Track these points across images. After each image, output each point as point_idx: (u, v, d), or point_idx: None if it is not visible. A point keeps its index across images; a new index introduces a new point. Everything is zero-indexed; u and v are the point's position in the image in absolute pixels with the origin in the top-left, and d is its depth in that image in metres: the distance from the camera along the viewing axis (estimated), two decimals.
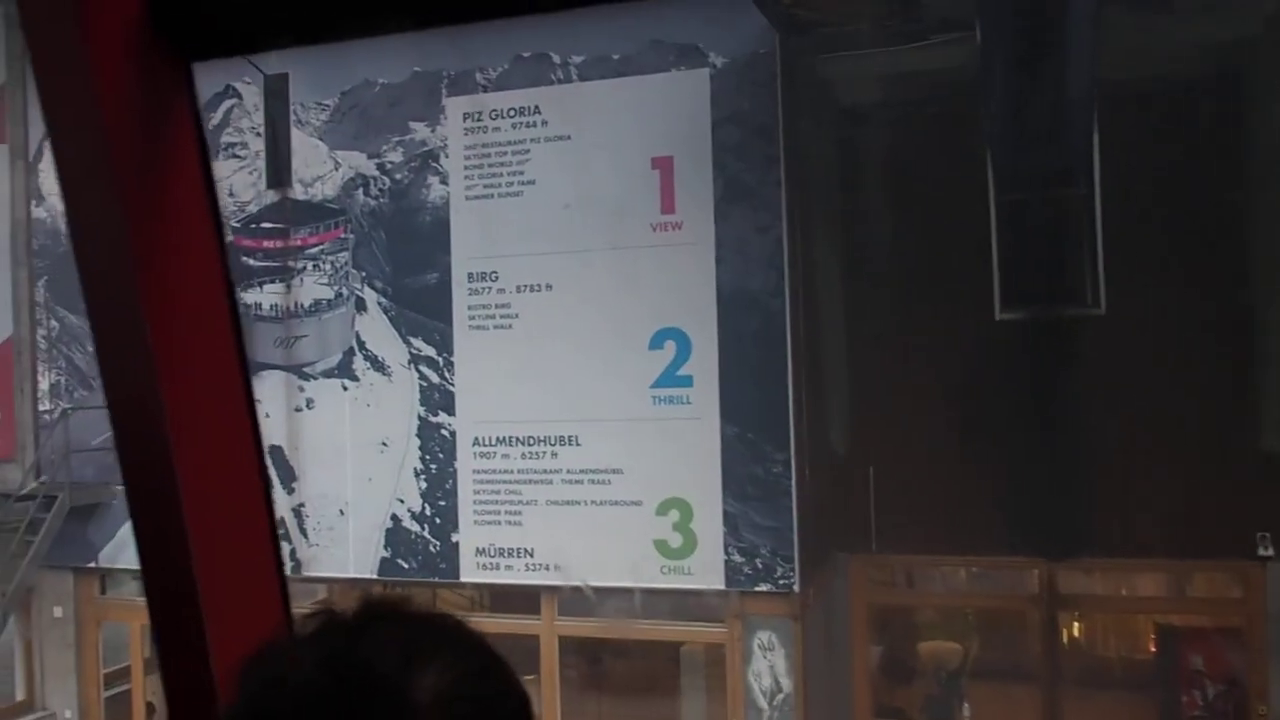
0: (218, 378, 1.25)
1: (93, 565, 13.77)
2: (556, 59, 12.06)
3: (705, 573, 11.20)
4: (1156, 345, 10.76)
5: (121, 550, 13.59)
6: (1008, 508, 11.38)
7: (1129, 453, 10.87)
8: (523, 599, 12.11)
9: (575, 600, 11.94)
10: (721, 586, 11.17)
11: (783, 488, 11.06)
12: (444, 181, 12.45)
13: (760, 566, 11.07)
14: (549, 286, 11.89)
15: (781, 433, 11.09)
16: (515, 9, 1.18)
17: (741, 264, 11.33)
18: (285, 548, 13.00)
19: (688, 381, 11.34)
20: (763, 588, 11.05)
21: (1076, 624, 12.27)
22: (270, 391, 12.69)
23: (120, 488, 13.22)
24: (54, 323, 14.46)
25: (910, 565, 12.35)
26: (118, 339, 1.21)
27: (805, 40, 11.47)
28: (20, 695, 14.22)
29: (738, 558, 11.13)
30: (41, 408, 14.32)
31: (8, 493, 13.11)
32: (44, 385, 14.41)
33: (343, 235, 12.87)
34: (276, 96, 13.13)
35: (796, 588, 10.99)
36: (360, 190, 12.86)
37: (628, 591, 11.61)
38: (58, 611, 13.81)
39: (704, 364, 11.29)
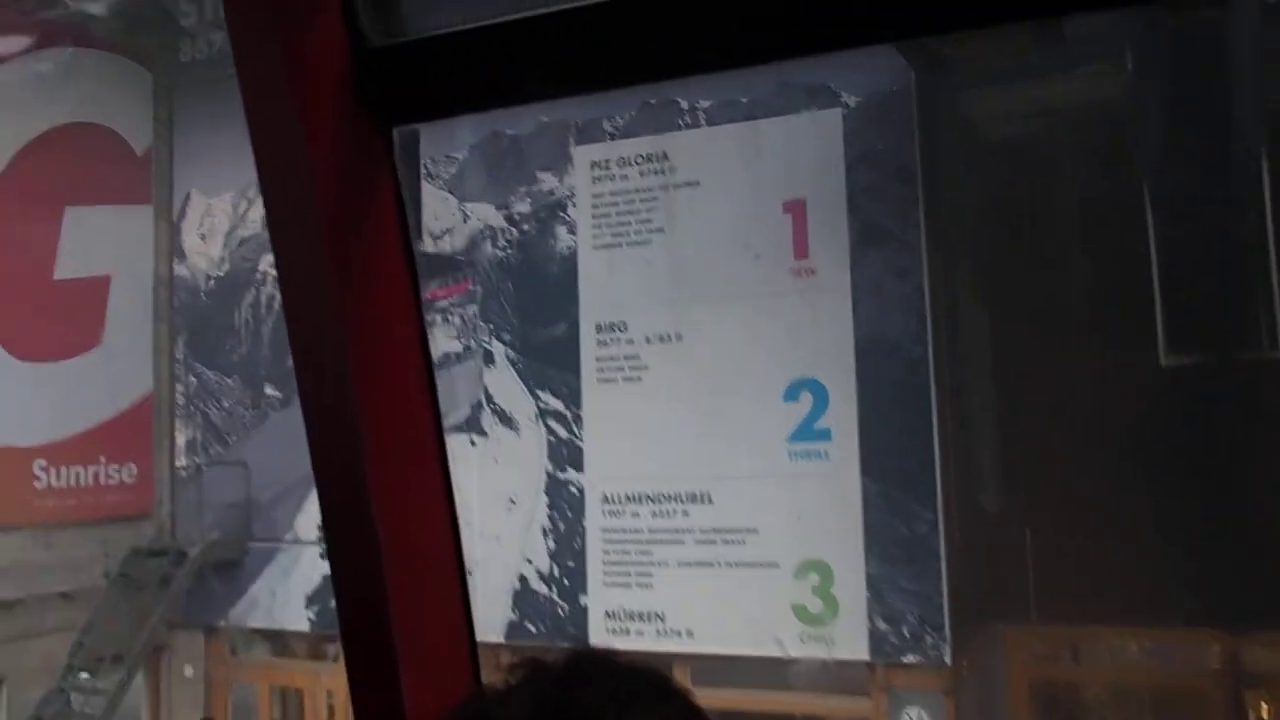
0: (416, 438, 1.30)
1: (223, 624, 14.04)
2: (684, 104, 12.03)
3: (848, 641, 10.77)
4: None
5: (253, 609, 13.86)
6: (1183, 573, 10.65)
7: None
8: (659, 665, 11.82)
9: (708, 668, 11.61)
10: (865, 657, 10.72)
11: (930, 549, 10.59)
12: (572, 231, 12.49)
13: (907, 635, 10.59)
14: (679, 337, 11.75)
15: (928, 489, 10.64)
16: (707, 66, 1.20)
17: (880, 310, 11.00)
18: None
19: (826, 435, 11.01)
20: (910, 658, 10.56)
21: (1265, 705, 11.35)
22: None
23: (254, 545, 13.56)
24: (192, 379, 14.98)
25: (1075, 637, 11.63)
26: (323, 391, 1.28)
27: (943, 76, 11.18)
28: None
29: (883, 625, 10.67)
30: (178, 463, 14.79)
31: (142, 548, 13.51)
32: (180, 441, 14.90)
33: (471, 287, 13.01)
34: (407, 150, 13.30)
35: (948, 659, 10.47)
36: (488, 242, 13.01)
37: (764, 660, 11.24)
38: (188, 671, 14.11)
39: (843, 416, 10.96)
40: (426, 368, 1.33)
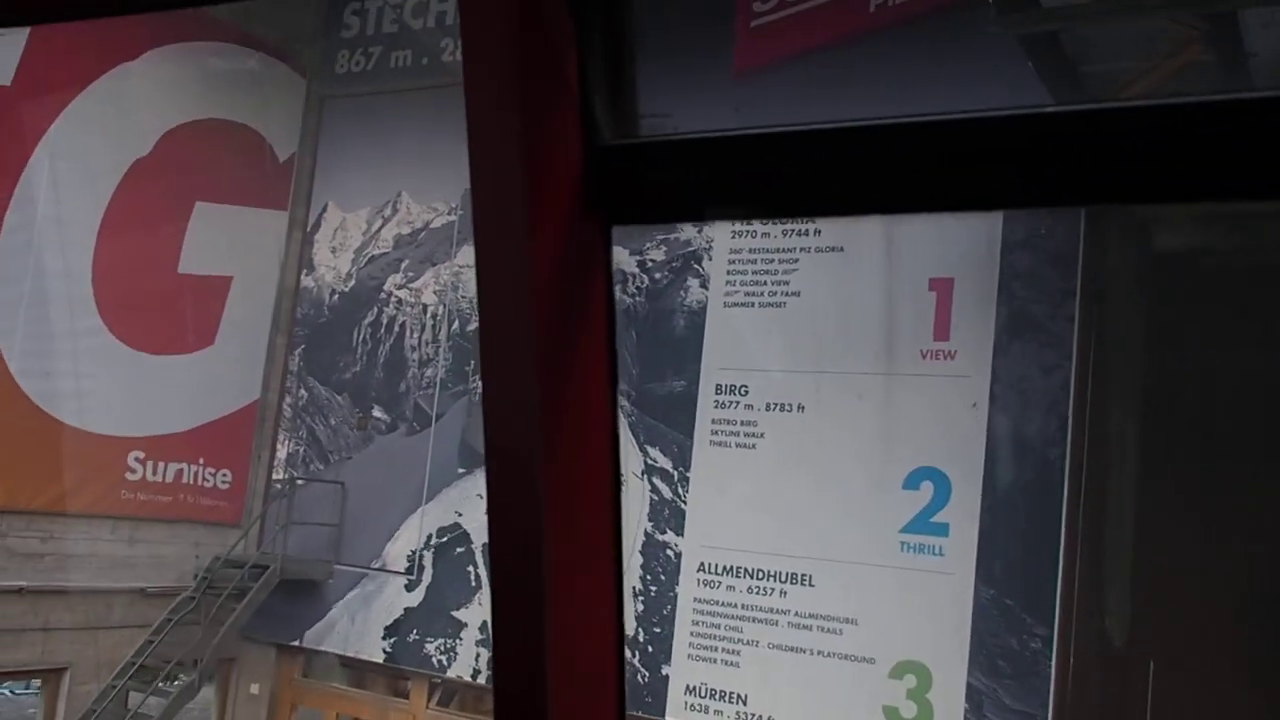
0: (595, 553, 1.38)
1: (296, 644, 14.36)
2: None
3: None
4: None
5: (329, 633, 14.16)
6: None
7: None
8: None
9: None
10: None
11: (1040, 668, 10.30)
12: (704, 285, 12.64)
13: None
14: (801, 407, 11.75)
15: (1046, 604, 10.38)
16: (938, 205, 1.22)
17: (1019, 405, 10.84)
18: (485, 654, 13.21)
19: (943, 530, 10.84)
20: None
21: None
22: None
23: (340, 567, 13.88)
24: (303, 392, 15.51)
25: None
26: (510, 481, 1.35)
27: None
28: None
29: None
30: (276, 476, 15.27)
31: (228, 557, 13.95)
32: (281, 454, 15.40)
33: None
34: None
35: None
36: (619, 287, 13.23)
37: None
38: (254, 688, 14.45)
39: (963, 513, 10.78)
40: (614, 479, 1.39)
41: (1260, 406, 10.52)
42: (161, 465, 14.24)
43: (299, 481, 14.94)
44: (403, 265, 15.25)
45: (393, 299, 15.16)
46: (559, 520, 1.32)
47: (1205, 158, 1.05)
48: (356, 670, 15.05)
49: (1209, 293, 11.37)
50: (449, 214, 14.93)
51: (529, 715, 1.32)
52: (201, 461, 14.86)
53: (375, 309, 15.30)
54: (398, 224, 15.43)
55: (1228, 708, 10.56)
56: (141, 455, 14.03)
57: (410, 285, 15.09)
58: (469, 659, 13.23)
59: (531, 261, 1.28)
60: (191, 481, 14.62)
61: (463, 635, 13.33)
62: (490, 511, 1.33)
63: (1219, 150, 1.04)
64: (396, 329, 15.04)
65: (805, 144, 1.22)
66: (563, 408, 1.32)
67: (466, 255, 14.62)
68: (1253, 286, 10.96)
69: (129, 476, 13.90)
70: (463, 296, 14.55)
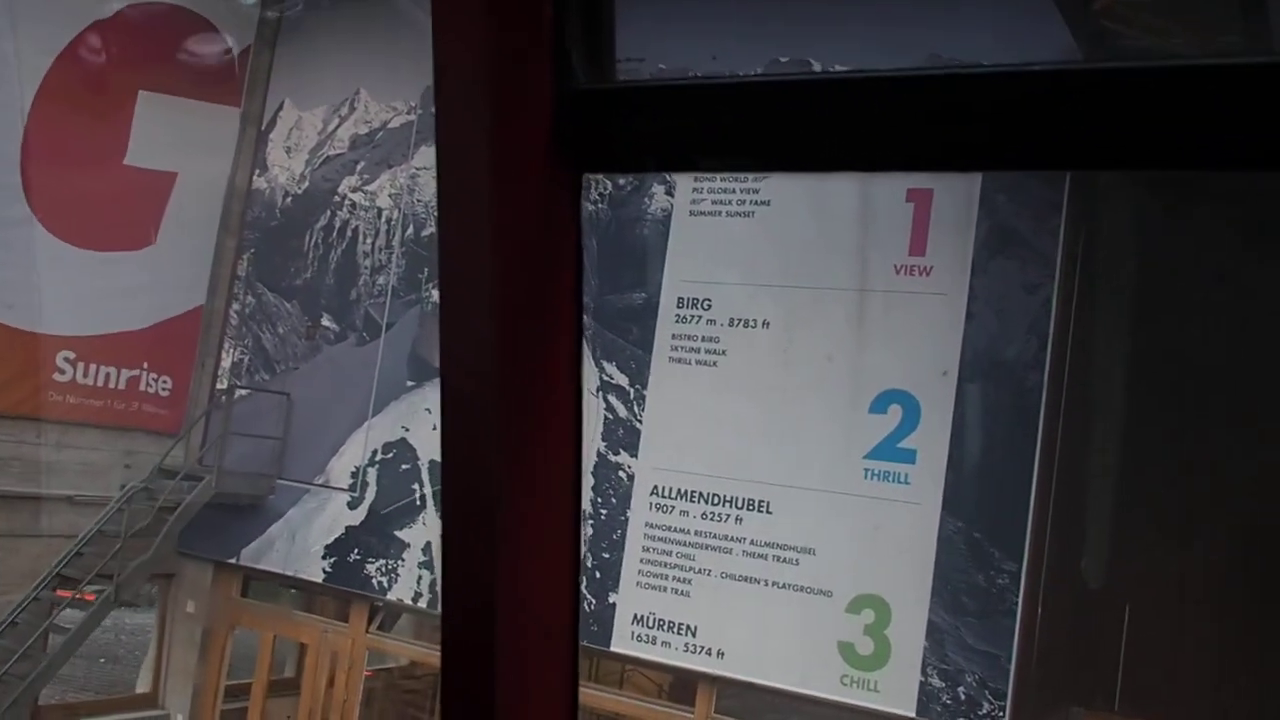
0: (554, 496, 1.38)
1: (234, 562, 14.11)
2: (817, 66, 11.65)
3: (894, 692, 10.21)
4: None
5: (267, 551, 13.89)
6: None
7: None
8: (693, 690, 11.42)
9: (735, 697, 11.23)
10: (911, 713, 10.15)
11: (1006, 606, 9.97)
12: (670, 192, 12.21)
13: (963, 697, 9.99)
14: (766, 324, 11.36)
15: (1015, 538, 10.03)
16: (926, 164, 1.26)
17: (997, 325, 10.44)
18: (427, 578, 12.95)
19: (910, 457, 10.48)
20: None
21: None
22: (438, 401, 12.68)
23: (282, 483, 13.59)
24: (251, 298, 15.13)
25: None
26: (467, 422, 1.36)
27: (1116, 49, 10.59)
28: (143, 687, 14.70)
29: (937, 681, 10.09)
30: (220, 386, 14.94)
31: (164, 466, 13.63)
32: (226, 363, 15.06)
33: None
34: None
35: None
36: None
37: (798, 698, 10.78)
38: (190, 606, 14.21)
39: (932, 439, 10.41)
40: (576, 429, 1.39)
41: (1254, 330, 10.13)
42: (94, 368, 13.88)
43: (242, 391, 14.61)
44: (358, 167, 14.81)
45: (347, 202, 14.74)
46: (516, 476, 1.33)
47: (1193, 122, 1.02)
48: (303, 591, 14.84)
49: (1210, 211, 10.93)
50: (408, 113, 14.47)
51: (477, 649, 1.34)
52: (145, 366, 14.52)
53: (329, 212, 14.88)
54: (355, 123, 14.98)
55: (1206, 657, 10.29)
56: (72, 356, 13.67)
57: (365, 188, 14.66)
58: (410, 581, 12.96)
59: (497, 207, 1.29)
60: (127, 386, 14.27)
61: (405, 556, 13.05)
62: (446, 469, 1.33)
63: (1208, 116, 1.01)
64: (350, 234, 14.63)
65: (783, 95, 1.21)
66: (524, 356, 1.34)
67: (424, 157, 14.19)
68: (1258, 199, 10.53)
69: (57, 378, 13.55)
70: (418, 200, 14.13)
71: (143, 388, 14.46)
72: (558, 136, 1.28)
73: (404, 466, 13.34)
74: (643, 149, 1.31)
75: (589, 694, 11.47)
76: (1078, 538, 10.67)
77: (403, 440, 13.43)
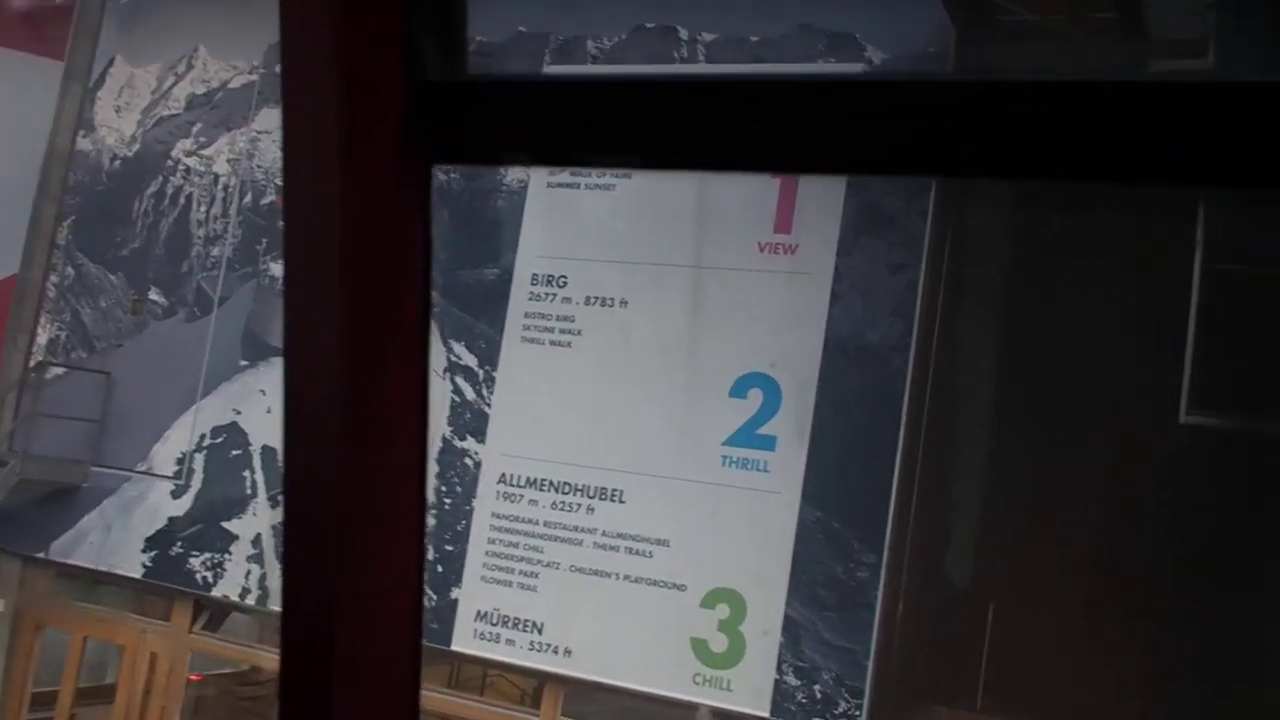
0: (399, 497, 1.38)
1: (42, 556, 13.43)
2: (684, 34, 11.50)
3: (748, 691, 10.05)
4: None
5: (80, 543, 13.24)
6: (1168, 692, 9.94)
7: None
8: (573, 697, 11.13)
9: (586, 697, 10.99)
10: (765, 713, 10.00)
11: (865, 599, 9.89)
12: None
13: (819, 696, 9.87)
14: (624, 302, 11.14)
15: (877, 530, 9.95)
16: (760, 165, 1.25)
17: (862, 307, 10.36)
18: (256, 573, 12.45)
19: (769, 444, 10.34)
20: None
21: None
22: (278, 381, 12.20)
23: (98, 470, 12.96)
24: (70, 270, 14.44)
25: None
26: (312, 414, 1.37)
27: (991, 45, 10.60)
28: None
29: (792, 679, 9.96)
30: (32, 362, 14.23)
31: None
32: (41, 339, 14.35)
33: None
34: None
35: None
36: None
37: (651, 698, 10.57)
38: None
39: (794, 425, 10.29)
40: (422, 420, 1.42)
41: (1122, 308, 10.19)
42: None
43: (56, 370, 13.92)
44: (194, 129, 14.23)
45: (181, 167, 14.15)
46: (362, 475, 1.35)
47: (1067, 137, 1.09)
48: (123, 587, 14.19)
49: (1081, 193, 11.00)
50: (249, 73, 13.94)
51: (317, 647, 1.35)
52: None
53: (160, 178, 14.27)
54: (192, 82, 14.40)
55: (1070, 655, 10.31)
56: None
57: (201, 152, 14.09)
58: (239, 576, 12.44)
59: (344, 197, 1.30)
60: None
61: (233, 550, 12.52)
62: (288, 472, 1.33)
63: (1078, 129, 1.08)
64: (183, 201, 14.04)
65: (633, 93, 1.26)
66: (370, 346, 1.36)
67: (265, 119, 13.69)
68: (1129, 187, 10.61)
69: None
70: (258, 166, 13.62)
71: None
72: (407, 127, 1.31)
73: (234, 452, 12.82)
74: (493, 142, 1.34)
75: (431, 698, 11.09)
76: (942, 530, 10.62)
77: (234, 424, 12.90)
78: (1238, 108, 1.04)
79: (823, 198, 10.60)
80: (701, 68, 11.47)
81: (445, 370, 11.85)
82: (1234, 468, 9.51)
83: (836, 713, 9.80)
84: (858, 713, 9.75)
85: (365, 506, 1.34)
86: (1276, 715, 9.75)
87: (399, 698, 1.38)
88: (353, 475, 1.32)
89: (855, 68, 10.66)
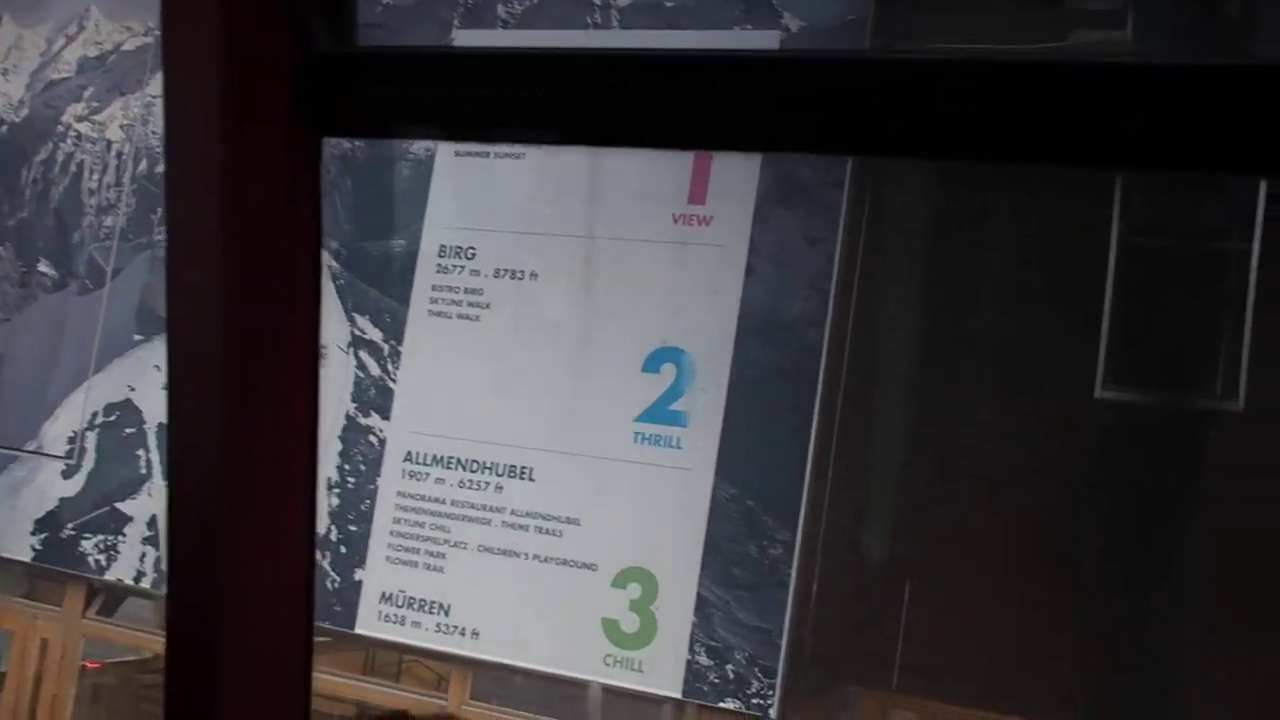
0: (286, 476, 1.39)
1: None
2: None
3: (659, 672, 9.97)
4: None
5: None
6: (1082, 664, 10.01)
7: (1254, 614, 9.42)
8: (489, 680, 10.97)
9: (498, 682, 10.85)
10: (677, 695, 9.92)
11: (779, 577, 9.82)
12: None
13: (731, 676, 9.80)
14: (534, 275, 10.97)
15: (791, 506, 9.88)
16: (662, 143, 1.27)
17: (778, 280, 10.27)
18: (152, 556, 12.14)
19: (682, 419, 10.23)
20: (728, 704, 9.78)
21: None
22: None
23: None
24: None
25: (943, 715, 10.91)
26: (194, 398, 1.37)
27: (913, 12, 10.57)
28: None
29: (704, 659, 9.88)
30: None
31: None
32: None
33: None
34: None
35: (774, 713, 9.68)
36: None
37: (565, 681, 10.45)
38: None
39: (707, 400, 10.19)
40: (312, 397, 1.43)
41: (1040, 281, 10.22)
42: None
43: None
44: (86, 93, 13.79)
45: (71, 133, 13.72)
46: (247, 465, 1.34)
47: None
48: (12, 572, 13.79)
49: (1007, 168, 11.00)
50: (144, 35, 13.54)
51: (202, 632, 1.32)
52: None
53: (50, 144, 13.83)
54: (84, 44, 13.95)
55: (988, 634, 10.35)
56: None
57: (93, 118, 13.66)
58: (133, 559, 12.13)
59: (227, 172, 1.30)
60: None
61: (127, 531, 12.20)
62: (172, 452, 1.35)
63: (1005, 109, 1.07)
64: (74, 168, 13.61)
65: (525, 66, 1.25)
66: (258, 323, 1.34)
67: (161, 84, 13.28)
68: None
69: None
70: (153, 132, 13.23)
71: None
72: (296, 99, 1.31)
73: (128, 430, 12.48)
74: (383, 114, 1.35)
75: (341, 685, 10.90)
76: (858, 507, 10.61)
77: (128, 401, 12.56)
78: (1158, 90, 1.03)
79: (739, 168, 10.49)
80: (615, 34, 11.32)
81: (349, 345, 11.61)
82: (1150, 442, 9.58)
83: (749, 693, 9.74)
84: (771, 693, 9.70)
85: (251, 488, 1.34)
86: (1195, 688, 9.85)
87: (289, 682, 1.37)
88: (239, 455, 1.32)
89: (772, 34, 10.55)
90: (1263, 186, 9.29)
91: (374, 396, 11.42)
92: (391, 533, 11.07)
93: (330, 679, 10.87)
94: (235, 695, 1.31)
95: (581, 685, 10.35)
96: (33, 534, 12.63)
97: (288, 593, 1.37)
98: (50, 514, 12.57)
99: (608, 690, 10.14)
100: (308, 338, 1.42)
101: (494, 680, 11.26)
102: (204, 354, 1.34)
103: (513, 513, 10.67)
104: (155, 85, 13.34)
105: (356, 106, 1.32)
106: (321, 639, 11.88)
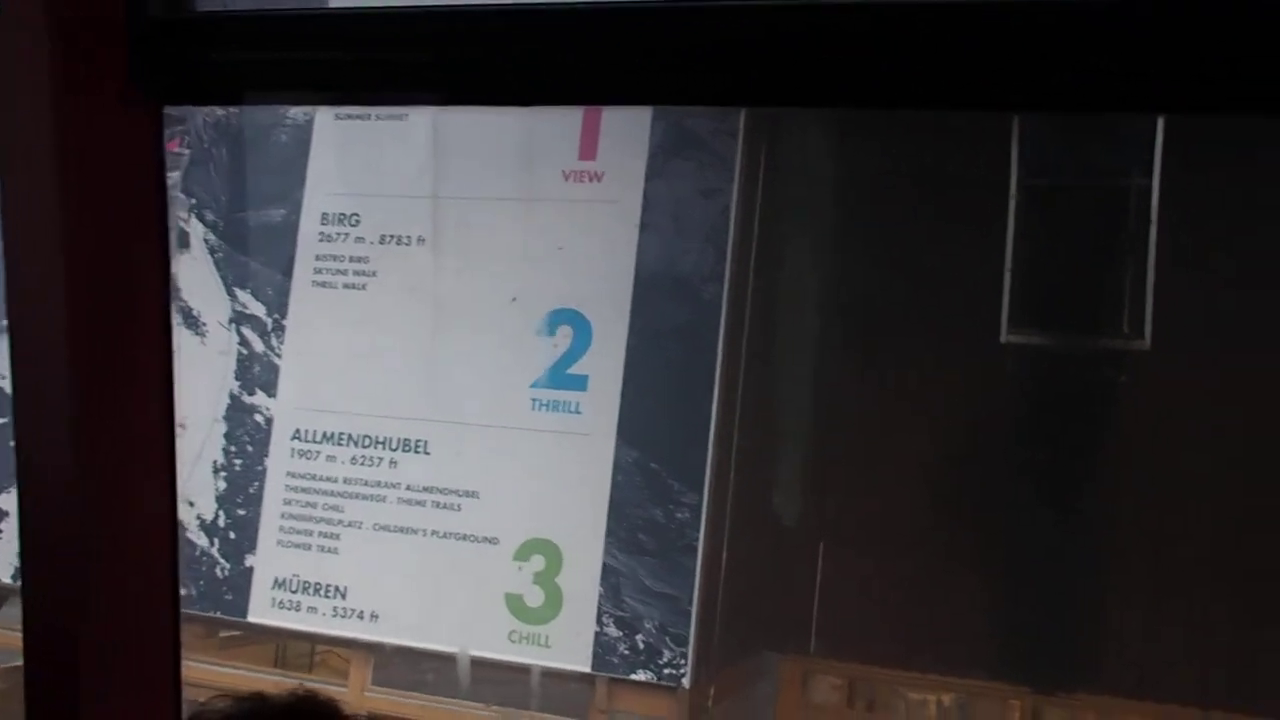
0: (144, 455, 1.35)
1: None
2: None
3: (567, 647, 9.76)
4: (1224, 403, 9.31)
5: None
6: (997, 615, 9.99)
7: (1169, 554, 9.43)
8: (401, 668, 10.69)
9: (399, 667, 10.60)
10: (586, 668, 9.73)
11: (687, 542, 9.66)
12: None
13: (641, 646, 9.63)
14: (421, 240, 10.68)
15: (695, 467, 9.72)
16: (533, 99, 1.25)
17: (674, 235, 10.09)
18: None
19: (581, 384, 10.02)
20: (640, 676, 9.61)
21: None
22: None
23: None
24: None
25: (862, 677, 10.83)
26: (38, 373, 1.33)
27: None
28: None
29: (613, 630, 9.70)
30: None
31: None
32: None
33: (177, 149, 11.74)
34: None
35: (687, 682, 9.52)
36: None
37: (468, 661, 10.21)
38: None
39: (606, 362, 9.99)
40: (166, 371, 1.37)
41: (941, 229, 10.12)
42: None
43: None
44: None
45: None
46: (98, 440, 1.30)
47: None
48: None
49: (904, 114, 10.87)
50: None
51: (62, 634, 1.28)
52: None
53: None
54: None
55: (903, 594, 10.28)
56: None
57: None
58: (9, 556, 11.68)
59: (62, 145, 1.27)
60: None
61: (3, 527, 11.76)
62: (20, 443, 1.29)
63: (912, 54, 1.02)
64: None
65: (362, 26, 1.22)
66: (103, 300, 1.31)
67: None
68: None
69: None
70: None
71: None
72: (133, 67, 1.28)
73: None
74: (224, 80, 1.31)
75: (200, 670, 10.55)
76: (766, 466, 10.48)
77: None
78: (1052, 29, 1.00)
79: (629, 120, 10.28)
80: None
81: (230, 321, 11.24)
82: (1058, 385, 9.54)
83: (661, 663, 9.58)
84: (683, 662, 9.54)
85: (106, 478, 1.29)
86: (1110, 640, 9.86)
87: (157, 674, 1.33)
88: (88, 445, 1.27)
89: None
90: (1160, 122, 9.26)
91: (258, 373, 11.07)
92: (282, 515, 10.75)
93: (218, 670, 10.54)
94: (97, 699, 1.26)
95: (493, 667, 10.15)
96: None
97: (152, 582, 1.33)
98: None
99: (509, 668, 9.95)
100: (159, 317, 1.36)
101: (410, 666, 11.02)
102: (48, 338, 1.28)
103: (408, 488, 10.40)
104: None
105: (199, 73, 1.29)
106: (231, 633, 11.59)
